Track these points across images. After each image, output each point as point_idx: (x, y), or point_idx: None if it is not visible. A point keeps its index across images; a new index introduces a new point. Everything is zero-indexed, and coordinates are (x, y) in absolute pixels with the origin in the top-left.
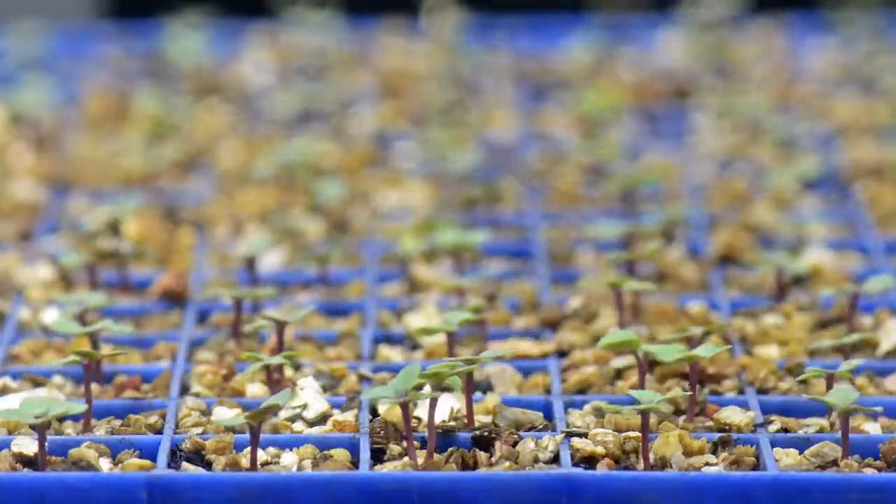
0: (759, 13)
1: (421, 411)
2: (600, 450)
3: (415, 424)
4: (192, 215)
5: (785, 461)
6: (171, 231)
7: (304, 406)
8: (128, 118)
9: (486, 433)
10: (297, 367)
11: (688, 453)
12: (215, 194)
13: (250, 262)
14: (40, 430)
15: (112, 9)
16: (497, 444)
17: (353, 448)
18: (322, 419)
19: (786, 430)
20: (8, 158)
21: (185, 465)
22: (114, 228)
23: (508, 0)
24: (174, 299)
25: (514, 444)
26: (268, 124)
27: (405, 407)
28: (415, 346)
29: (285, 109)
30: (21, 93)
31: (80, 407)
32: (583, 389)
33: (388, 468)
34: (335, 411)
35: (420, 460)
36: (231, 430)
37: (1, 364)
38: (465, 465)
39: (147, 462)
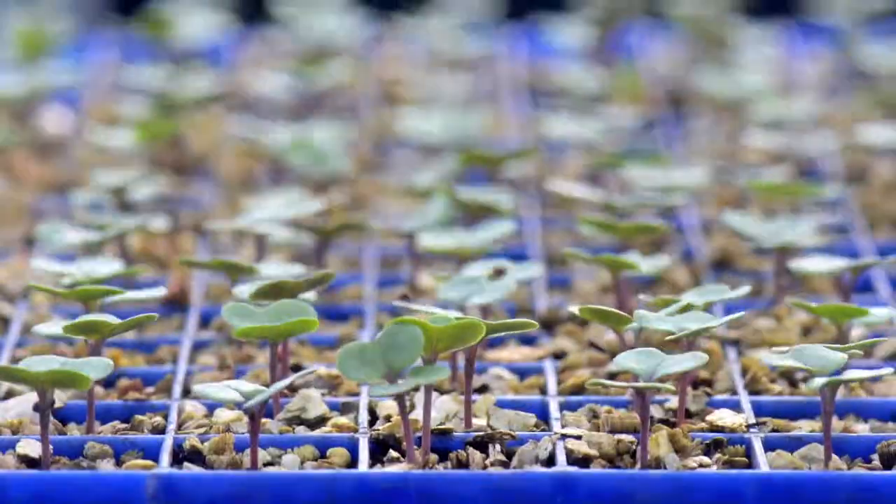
0: (752, 19)
1: (418, 413)
2: (594, 451)
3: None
4: (192, 221)
5: (776, 461)
6: (172, 237)
7: (303, 409)
8: (129, 122)
9: (481, 434)
10: (296, 370)
11: (681, 454)
12: (217, 200)
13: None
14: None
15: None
16: (492, 445)
17: (353, 448)
18: (321, 421)
19: (777, 432)
20: (11, 163)
21: (186, 464)
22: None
23: (509, 5)
24: (177, 304)
25: (510, 446)
26: (269, 129)
27: (402, 402)
28: None
29: (286, 114)
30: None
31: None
32: (578, 392)
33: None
34: (334, 413)
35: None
36: (228, 428)
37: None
38: (460, 466)
39: (150, 462)
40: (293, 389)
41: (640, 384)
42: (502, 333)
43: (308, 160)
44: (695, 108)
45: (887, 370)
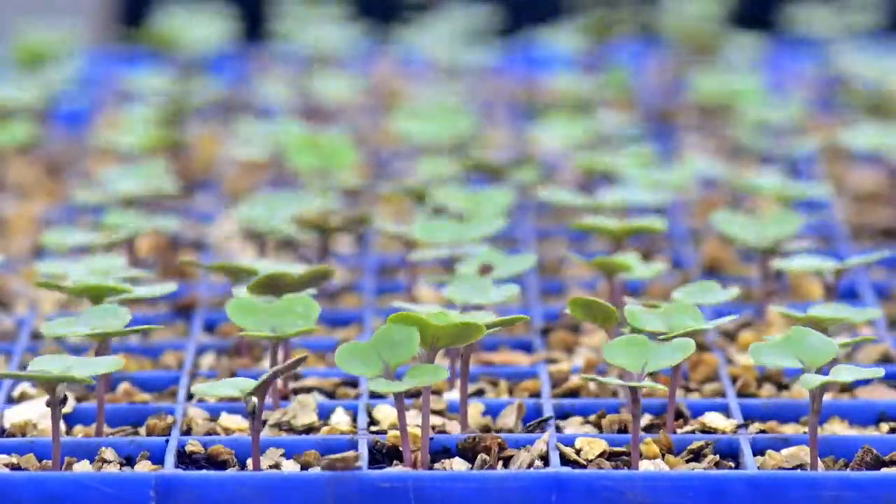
0: (737, 30)
1: (415, 418)
2: (586, 453)
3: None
4: (196, 232)
5: (763, 461)
6: (175, 248)
7: (294, 416)
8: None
9: (477, 435)
10: (295, 377)
11: (671, 454)
12: (220, 213)
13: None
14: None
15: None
16: (488, 445)
17: (353, 449)
18: (309, 430)
19: (765, 433)
20: (21, 178)
21: (191, 465)
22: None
23: (506, 17)
24: (184, 311)
25: (505, 447)
26: (273, 130)
27: (401, 401)
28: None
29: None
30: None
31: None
32: (572, 395)
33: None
34: (332, 417)
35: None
36: (230, 431)
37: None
38: (457, 467)
39: (155, 464)
40: (296, 392)
41: (633, 383)
42: (497, 329)
43: (314, 160)
44: (684, 120)
45: (877, 371)
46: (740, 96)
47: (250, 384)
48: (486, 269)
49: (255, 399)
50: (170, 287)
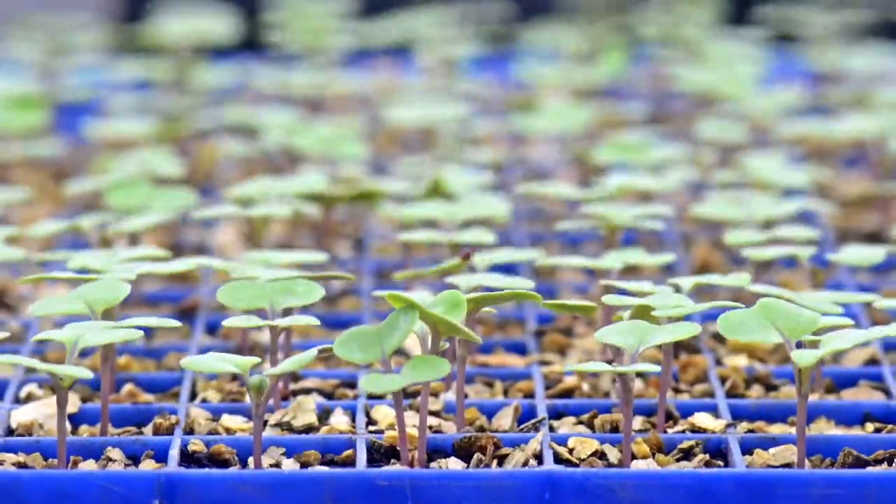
0: (725, 31)
1: (412, 418)
2: (579, 452)
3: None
4: (199, 237)
5: (751, 460)
6: (178, 252)
7: (294, 417)
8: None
9: (472, 434)
10: (295, 379)
11: (662, 453)
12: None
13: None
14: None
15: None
16: (483, 444)
17: (352, 448)
18: (309, 430)
19: (753, 433)
20: (27, 184)
21: (194, 464)
22: None
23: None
24: (187, 313)
25: (500, 446)
26: (273, 156)
27: (399, 399)
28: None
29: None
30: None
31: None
32: (565, 396)
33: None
34: (332, 416)
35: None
36: (232, 431)
37: (25, 372)
38: (454, 464)
39: (159, 462)
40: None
41: (622, 368)
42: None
43: (319, 146)
44: (673, 123)
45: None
46: (728, 93)
47: (246, 360)
48: (467, 256)
49: (264, 378)
50: (187, 264)
